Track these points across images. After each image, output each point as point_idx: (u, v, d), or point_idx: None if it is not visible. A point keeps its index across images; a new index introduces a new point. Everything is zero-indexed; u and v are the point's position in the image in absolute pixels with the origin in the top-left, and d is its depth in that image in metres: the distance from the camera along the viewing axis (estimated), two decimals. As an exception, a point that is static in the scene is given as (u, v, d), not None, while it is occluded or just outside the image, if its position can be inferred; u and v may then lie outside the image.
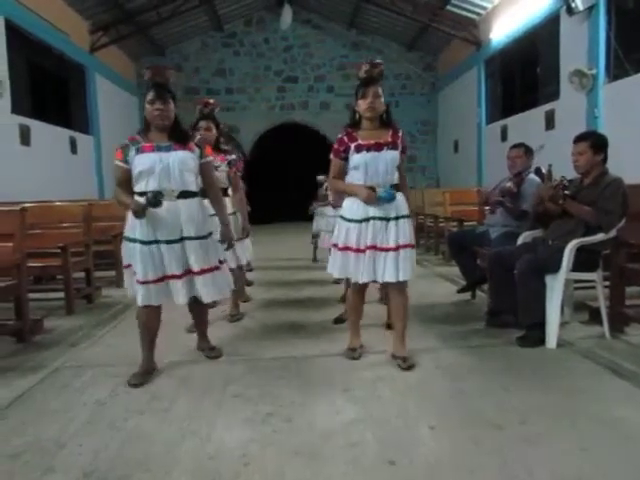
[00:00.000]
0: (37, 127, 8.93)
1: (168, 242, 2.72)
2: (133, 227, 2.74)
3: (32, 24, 8.86)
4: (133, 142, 2.75)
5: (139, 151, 2.71)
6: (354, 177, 2.92)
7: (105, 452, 2.04)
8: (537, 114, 9.54)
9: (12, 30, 8.31)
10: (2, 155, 7.74)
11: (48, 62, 9.92)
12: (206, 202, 3.00)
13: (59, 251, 4.33)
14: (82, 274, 4.88)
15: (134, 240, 2.73)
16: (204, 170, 2.90)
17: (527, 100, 10.24)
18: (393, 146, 2.89)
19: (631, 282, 3.47)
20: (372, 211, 2.86)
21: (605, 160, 3.29)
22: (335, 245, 3.01)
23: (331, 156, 3.02)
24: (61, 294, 4.39)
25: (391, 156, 2.87)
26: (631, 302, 3.53)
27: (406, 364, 2.89)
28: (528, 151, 4.11)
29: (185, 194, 2.76)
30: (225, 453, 2.02)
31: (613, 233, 3.23)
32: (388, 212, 2.87)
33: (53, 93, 10.23)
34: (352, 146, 2.88)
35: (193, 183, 2.82)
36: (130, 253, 2.77)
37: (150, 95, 2.71)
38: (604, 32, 7.65)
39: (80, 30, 10.85)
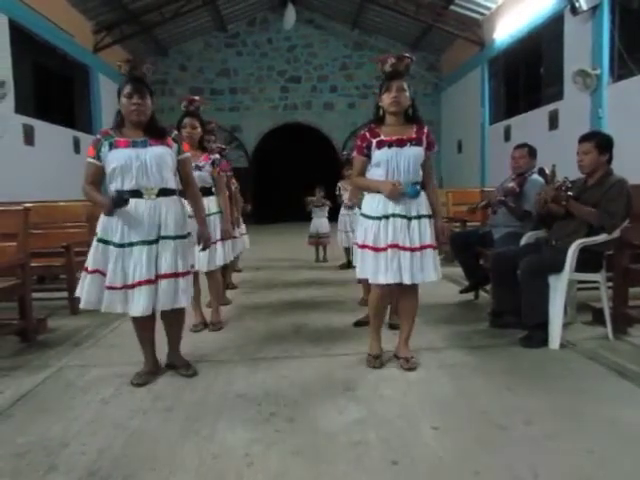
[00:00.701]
0: (41, 127, 8.97)
1: (144, 243, 2.56)
2: (107, 228, 2.59)
3: (36, 24, 8.90)
4: (106, 136, 2.61)
5: (112, 146, 2.57)
6: (375, 174, 2.82)
7: (109, 451, 2.05)
8: (541, 114, 9.53)
9: (16, 30, 8.34)
10: (6, 155, 7.77)
11: (52, 62, 9.95)
12: (185, 202, 2.86)
13: (63, 251, 4.34)
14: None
15: (107, 242, 2.58)
16: (182, 166, 2.76)
17: (531, 100, 10.23)
18: (417, 142, 2.78)
19: (634, 283, 3.45)
20: (392, 208, 2.74)
21: (610, 160, 3.28)
22: (356, 243, 2.94)
23: (354, 153, 2.94)
24: (65, 294, 4.40)
25: (414, 153, 2.76)
26: (634, 303, 3.51)
27: (409, 365, 2.87)
28: (532, 151, 4.10)
29: (165, 192, 2.62)
30: (228, 453, 2.03)
31: (617, 234, 3.22)
32: (409, 210, 2.75)
33: (57, 93, 10.27)
34: (374, 142, 2.78)
35: (172, 180, 2.68)
36: (100, 257, 2.59)
37: (127, 89, 2.57)
38: (608, 32, 7.64)
39: (84, 30, 10.89)
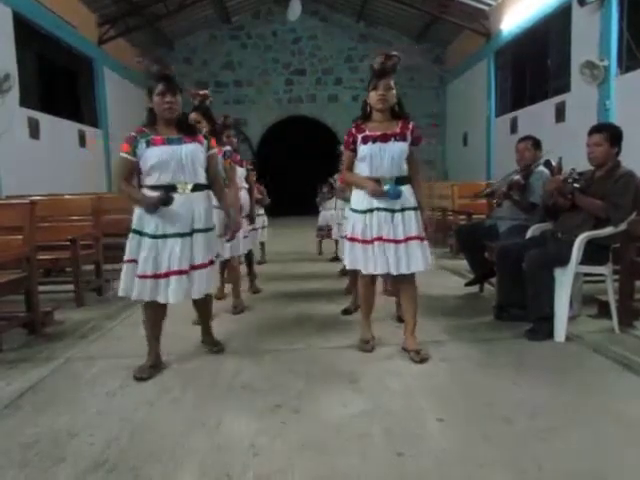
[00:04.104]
0: (46, 120, 8.97)
1: (179, 235, 2.69)
2: (141, 220, 2.71)
3: (40, 17, 8.88)
4: (142, 134, 2.71)
5: (149, 144, 2.67)
6: (360, 168, 2.95)
7: (116, 442, 2.07)
8: (547, 106, 9.46)
9: (20, 23, 8.33)
10: (11, 148, 7.78)
11: (56, 55, 9.94)
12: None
13: (69, 244, 4.36)
14: (92, 266, 4.91)
15: (142, 233, 2.71)
16: (210, 162, 2.88)
17: (537, 92, 10.15)
18: (401, 137, 2.87)
19: (641, 276, 3.44)
20: (377, 202, 2.87)
21: (618, 153, 3.25)
22: (346, 236, 3.05)
23: (342, 148, 3.05)
24: (71, 286, 4.43)
25: (398, 147, 2.86)
26: (641, 296, 3.50)
27: (419, 357, 2.88)
28: (536, 144, 4.07)
29: (198, 187, 2.77)
30: (234, 444, 2.04)
31: (623, 226, 3.20)
32: (393, 203, 2.87)
33: (62, 86, 10.26)
34: (359, 137, 2.90)
35: (203, 175, 2.82)
36: (135, 247, 2.71)
37: (160, 88, 2.67)
38: (616, 23, 7.55)
39: (88, 23, 10.86)
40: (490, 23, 11.60)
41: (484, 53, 12.14)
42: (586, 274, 3.57)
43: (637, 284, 3.47)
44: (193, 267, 2.75)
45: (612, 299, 3.34)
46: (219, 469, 1.87)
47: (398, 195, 2.85)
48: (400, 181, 2.89)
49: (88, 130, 10.74)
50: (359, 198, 2.95)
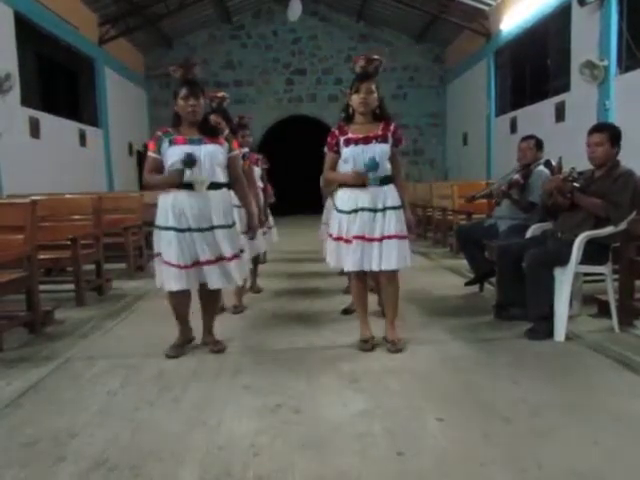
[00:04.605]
0: (46, 120, 8.98)
1: (200, 230, 2.83)
2: (165, 216, 2.84)
3: (41, 17, 8.89)
4: (166, 134, 2.88)
5: (172, 143, 2.84)
6: (344, 169, 3.00)
7: (116, 442, 2.07)
8: (547, 106, 9.47)
9: (21, 23, 8.34)
10: (12, 147, 7.79)
11: (57, 55, 9.96)
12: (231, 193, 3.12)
13: (69, 243, 4.36)
14: (92, 266, 4.92)
15: (168, 228, 2.84)
16: (231, 163, 3.01)
17: (537, 92, 10.15)
18: (383, 139, 2.94)
19: (641, 275, 3.44)
20: (361, 202, 2.93)
21: (618, 153, 3.26)
22: (331, 235, 3.10)
23: (325, 149, 3.11)
24: (71, 286, 4.43)
25: (380, 149, 2.92)
26: (641, 295, 3.50)
27: (395, 347, 3.01)
28: (538, 143, 4.08)
29: (215, 185, 2.88)
30: (234, 443, 2.04)
31: (623, 226, 3.21)
32: (376, 203, 2.93)
33: (62, 86, 10.27)
34: (342, 139, 2.97)
35: (222, 175, 2.94)
36: (163, 241, 2.87)
37: (183, 92, 2.83)
38: (616, 23, 7.56)
39: (89, 23, 10.87)
40: (490, 23, 11.60)
41: (484, 53, 12.15)
42: (586, 273, 3.58)
43: (637, 283, 3.47)
44: (225, 259, 2.90)
45: (612, 298, 3.34)
46: (219, 468, 1.87)
47: (375, 165, 2.86)
48: (383, 181, 2.95)
49: (88, 129, 10.75)
50: (344, 198, 3.00)
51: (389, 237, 2.93)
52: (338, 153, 3.01)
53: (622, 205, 3.14)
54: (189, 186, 2.80)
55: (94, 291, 4.77)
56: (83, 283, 4.48)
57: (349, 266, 2.98)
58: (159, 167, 2.89)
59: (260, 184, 4.50)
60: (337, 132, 3.01)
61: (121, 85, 12.48)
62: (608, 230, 3.19)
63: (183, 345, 3.08)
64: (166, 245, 2.85)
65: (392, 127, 2.98)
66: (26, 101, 8.35)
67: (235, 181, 3.06)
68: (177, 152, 2.79)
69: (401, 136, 3.02)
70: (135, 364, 2.83)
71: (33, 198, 3.82)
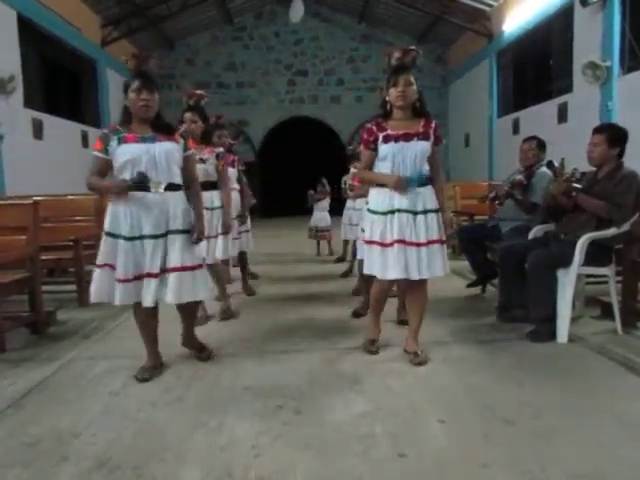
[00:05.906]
0: (49, 121, 9.01)
1: (153, 237, 2.58)
2: (116, 222, 2.59)
3: (44, 18, 8.92)
4: (114, 132, 2.61)
5: (121, 141, 2.57)
6: (381, 168, 2.82)
7: (119, 442, 2.07)
8: (550, 107, 9.45)
9: (24, 24, 8.37)
10: (15, 149, 7.81)
11: (60, 56, 9.99)
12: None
13: (72, 244, 4.37)
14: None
15: (117, 236, 2.58)
16: (186, 163, 2.76)
17: (540, 93, 10.14)
18: (424, 137, 2.77)
19: (644, 277, 3.44)
20: (397, 203, 2.74)
21: (622, 154, 3.25)
22: (369, 241, 2.88)
23: (361, 147, 2.95)
24: (74, 286, 4.44)
25: (421, 147, 2.75)
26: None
27: (418, 359, 2.86)
28: (541, 144, 4.08)
29: (172, 186, 2.64)
30: (236, 445, 2.04)
31: (626, 227, 3.20)
32: (415, 204, 2.75)
33: (65, 87, 10.30)
34: (381, 136, 2.78)
35: (178, 175, 2.70)
36: (109, 250, 2.60)
37: (135, 84, 2.55)
38: (618, 23, 7.55)
39: (91, 24, 10.91)
40: (492, 24, 11.60)
41: (486, 54, 12.14)
42: (589, 275, 3.57)
43: (640, 285, 3.47)
44: (166, 270, 2.61)
45: (615, 300, 3.33)
46: (221, 469, 1.88)
47: (422, 179, 2.76)
48: (422, 181, 2.79)
49: (91, 131, 10.77)
50: (379, 199, 2.81)
51: (434, 242, 2.76)
52: (375, 150, 2.81)
53: (625, 207, 3.13)
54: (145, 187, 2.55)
55: (96, 292, 4.77)
56: (85, 284, 4.47)
57: (390, 275, 2.74)
58: (105, 167, 2.61)
59: (236, 186, 4.49)
60: (375, 128, 2.79)
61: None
62: (611, 232, 3.18)
63: (153, 369, 2.80)
64: (114, 255, 2.58)
65: (433, 124, 2.82)
66: (29, 102, 8.38)
67: (190, 182, 2.80)
68: (128, 151, 2.55)
69: (441, 135, 2.87)
70: (137, 365, 2.83)
71: (35, 199, 3.83)
